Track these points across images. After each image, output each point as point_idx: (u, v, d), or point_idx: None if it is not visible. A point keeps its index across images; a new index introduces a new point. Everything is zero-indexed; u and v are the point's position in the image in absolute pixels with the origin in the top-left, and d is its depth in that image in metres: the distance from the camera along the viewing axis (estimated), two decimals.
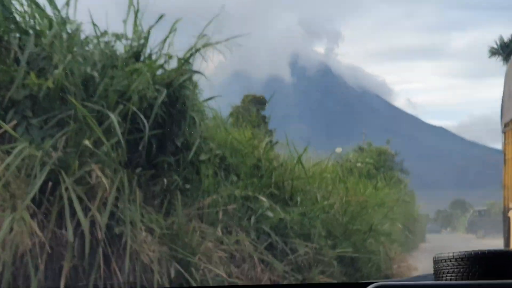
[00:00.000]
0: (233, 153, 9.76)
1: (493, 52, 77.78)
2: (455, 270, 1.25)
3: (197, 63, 9.20)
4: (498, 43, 74.59)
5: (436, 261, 1.35)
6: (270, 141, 12.45)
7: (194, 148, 8.16)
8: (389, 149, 32.22)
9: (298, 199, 10.13)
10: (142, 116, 8.00)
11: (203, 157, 8.30)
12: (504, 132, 13.64)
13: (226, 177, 8.99)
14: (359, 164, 22.47)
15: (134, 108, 8.03)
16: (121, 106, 7.84)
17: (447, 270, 1.28)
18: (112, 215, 7.12)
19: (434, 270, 1.36)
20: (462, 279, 1.23)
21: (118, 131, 7.46)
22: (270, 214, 8.59)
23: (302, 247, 8.91)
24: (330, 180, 12.97)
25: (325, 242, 9.69)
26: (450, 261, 1.27)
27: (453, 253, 1.27)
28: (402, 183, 29.09)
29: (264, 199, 8.69)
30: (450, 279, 1.24)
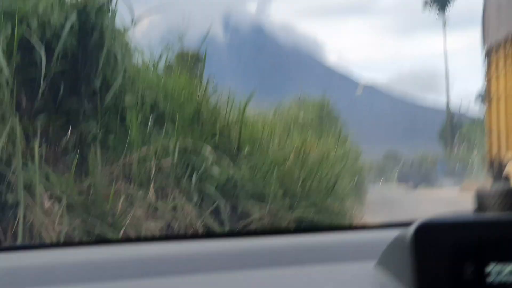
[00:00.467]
0: (167, 99, 7.86)
1: (427, 2, 77.71)
2: (500, 203, 1.16)
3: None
4: None
5: (478, 195, 1.24)
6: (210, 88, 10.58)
7: (113, 89, 6.21)
8: (329, 101, 30.87)
9: (246, 150, 8.38)
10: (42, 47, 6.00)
11: (128, 100, 6.37)
12: (488, 62, 11.28)
13: (160, 127, 7.11)
14: (300, 116, 20.99)
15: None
16: (9, 31, 5.81)
17: (491, 204, 1.18)
18: (1, 178, 5.17)
19: (477, 205, 1.23)
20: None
21: (4, 65, 5.46)
22: (215, 170, 6.77)
23: (256, 210, 7.17)
24: (279, 130, 11.29)
25: (282, 203, 8.00)
26: (494, 194, 1.18)
27: (497, 185, 1.23)
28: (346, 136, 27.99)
29: (207, 152, 6.85)
30: None
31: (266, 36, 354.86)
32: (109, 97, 6.28)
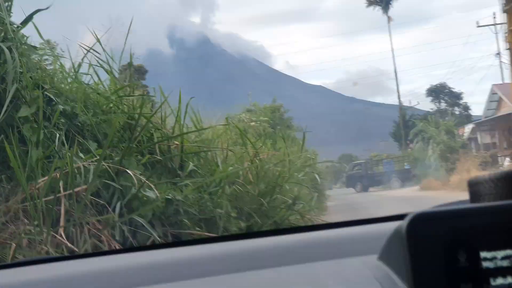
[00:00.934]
0: (89, 109, 6.43)
1: (371, 2, 77.96)
2: (493, 191, 1.19)
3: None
4: None
5: (471, 185, 1.27)
6: (146, 95, 9.21)
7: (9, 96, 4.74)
8: (282, 106, 29.76)
9: (190, 167, 6.99)
10: None
11: (23, 112, 4.91)
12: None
13: (79, 144, 5.66)
14: (253, 123, 19.76)
15: None
16: None
17: (484, 192, 1.22)
18: None
19: (471, 194, 1.27)
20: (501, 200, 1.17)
21: None
22: (150, 193, 5.36)
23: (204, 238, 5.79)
24: (230, 140, 9.90)
25: (236, 225, 6.65)
26: (487, 183, 1.21)
27: (490, 174, 1.20)
28: (298, 140, 26.88)
29: (136, 172, 5.44)
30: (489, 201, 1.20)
31: (213, 46, 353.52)
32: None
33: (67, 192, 4.47)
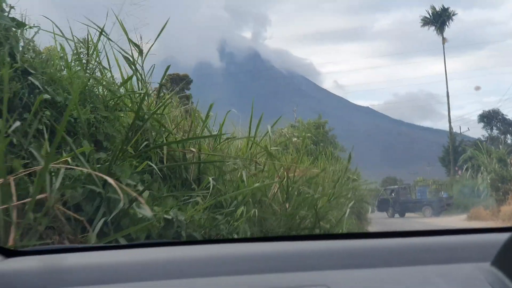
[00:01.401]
0: (88, 103, 5.37)
1: (426, 22, 76.15)
2: None
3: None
4: (430, 12, 72.66)
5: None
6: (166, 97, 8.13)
7: None
8: (326, 122, 28.36)
9: (211, 182, 5.82)
10: None
11: None
12: None
13: (65, 143, 4.59)
14: (295, 139, 18.57)
15: None
16: None
17: None
18: None
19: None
20: None
21: None
22: (146, 211, 4.22)
23: None
24: (264, 154, 8.71)
25: None
26: None
27: None
28: (342, 160, 25.51)
29: (131, 182, 4.32)
30: None
31: (262, 61, 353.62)
32: None
33: (24, 200, 3.38)
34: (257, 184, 6.55)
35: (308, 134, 19.94)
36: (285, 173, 7.51)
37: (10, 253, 1.98)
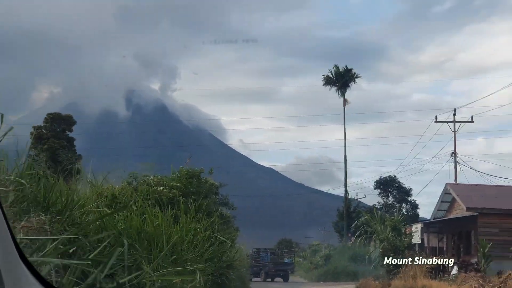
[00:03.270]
0: None
1: (328, 82, 76.63)
2: None
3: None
4: (333, 72, 73.36)
5: None
6: None
7: None
8: (202, 171, 23.88)
9: None
10: None
11: None
12: None
13: None
14: (160, 188, 16.28)
15: None
16: None
17: None
18: None
19: None
20: None
21: None
22: None
23: None
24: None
25: None
26: None
27: None
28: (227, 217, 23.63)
29: None
30: None
31: (169, 114, 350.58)
32: None
33: None
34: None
35: (178, 184, 17.84)
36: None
37: None
